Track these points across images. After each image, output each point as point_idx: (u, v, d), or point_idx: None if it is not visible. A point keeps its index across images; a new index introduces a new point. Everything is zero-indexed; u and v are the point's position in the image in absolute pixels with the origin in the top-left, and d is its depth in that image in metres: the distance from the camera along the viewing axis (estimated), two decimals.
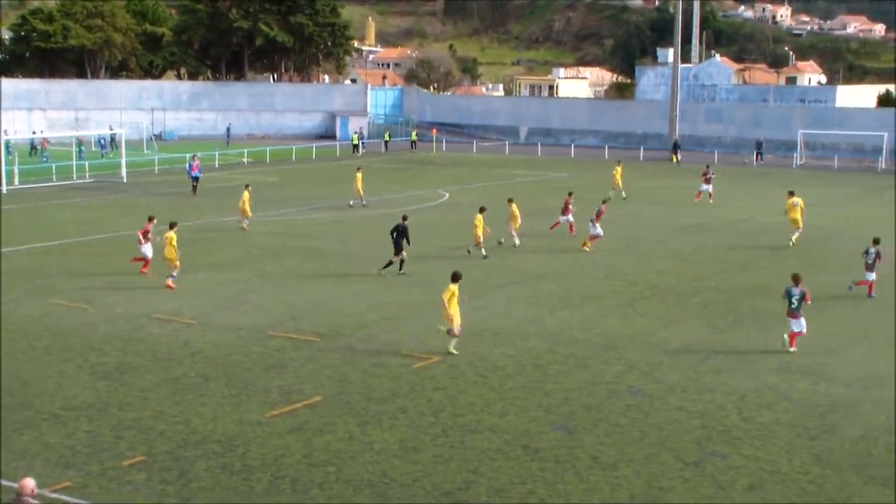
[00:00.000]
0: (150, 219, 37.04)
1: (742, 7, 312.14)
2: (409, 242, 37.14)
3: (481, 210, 40.77)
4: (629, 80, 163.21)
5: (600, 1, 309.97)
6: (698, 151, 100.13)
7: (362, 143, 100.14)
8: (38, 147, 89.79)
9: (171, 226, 34.96)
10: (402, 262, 36.84)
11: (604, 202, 44.92)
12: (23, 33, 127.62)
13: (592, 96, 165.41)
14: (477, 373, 24.50)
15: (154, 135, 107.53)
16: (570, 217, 45.60)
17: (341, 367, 24.85)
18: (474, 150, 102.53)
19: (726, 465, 18.88)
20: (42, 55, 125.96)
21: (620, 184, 61.65)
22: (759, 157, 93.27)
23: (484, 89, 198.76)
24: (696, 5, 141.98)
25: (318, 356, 25.77)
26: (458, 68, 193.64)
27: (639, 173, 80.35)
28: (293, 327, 28.80)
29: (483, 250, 39.99)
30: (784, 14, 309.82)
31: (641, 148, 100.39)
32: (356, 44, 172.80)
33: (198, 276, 36.32)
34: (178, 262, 34.23)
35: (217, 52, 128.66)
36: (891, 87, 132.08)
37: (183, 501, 17.06)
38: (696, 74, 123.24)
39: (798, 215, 44.50)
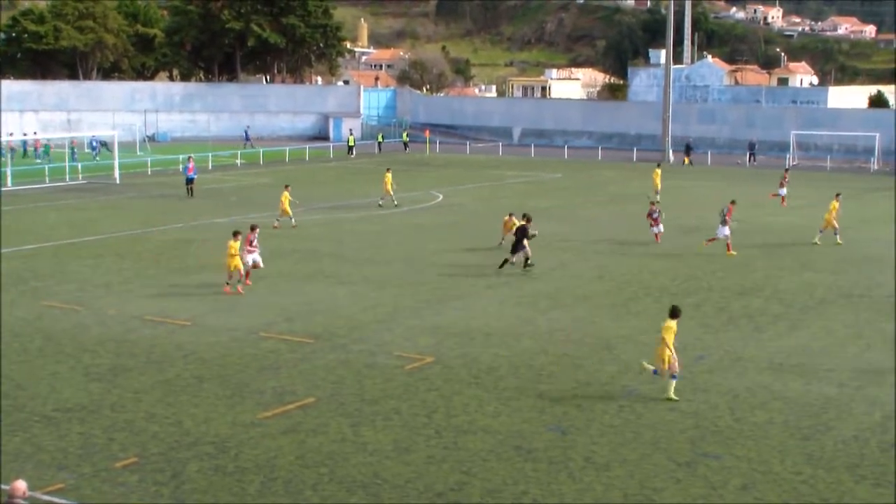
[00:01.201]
0: (253, 228, 35.38)
1: (733, 8, 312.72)
2: (528, 239, 37.40)
3: (526, 219, 38.66)
4: (622, 82, 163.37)
5: (592, 2, 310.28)
6: (691, 152, 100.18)
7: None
8: (32, 148, 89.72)
9: (234, 235, 34.03)
10: (526, 259, 37.36)
11: (732, 202, 44.84)
12: (14, 35, 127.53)
13: (585, 97, 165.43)
14: (470, 374, 24.50)
15: (147, 136, 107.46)
16: (661, 227, 44.55)
17: (335, 368, 24.84)
18: (468, 151, 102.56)
19: (719, 465, 18.90)
20: (34, 56, 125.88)
21: (659, 186, 61.30)
22: (752, 157, 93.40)
23: (477, 90, 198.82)
24: (688, 7, 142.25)
25: (312, 357, 25.76)
26: (451, 69, 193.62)
27: (632, 174, 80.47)
28: (287, 329, 28.79)
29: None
30: (775, 15, 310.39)
31: (634, 149, 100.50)
32: (348, 45, 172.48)
33: (191, 277, 36.29)
34: (241, 267, 33.60)
35: (209, 54, 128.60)
36: (882, 87, 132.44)
37: (176, 503, 17.04)
38: (689, 75, 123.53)
39: (831, 216, 44.84)
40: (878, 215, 55.57)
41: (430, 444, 19.69)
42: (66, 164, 73.96)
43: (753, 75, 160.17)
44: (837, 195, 46.51)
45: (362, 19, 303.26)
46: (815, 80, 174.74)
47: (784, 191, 59.76)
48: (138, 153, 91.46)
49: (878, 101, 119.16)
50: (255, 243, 34.81)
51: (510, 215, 42.41)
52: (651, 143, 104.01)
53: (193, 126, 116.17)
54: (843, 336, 28.80)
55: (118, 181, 69.58)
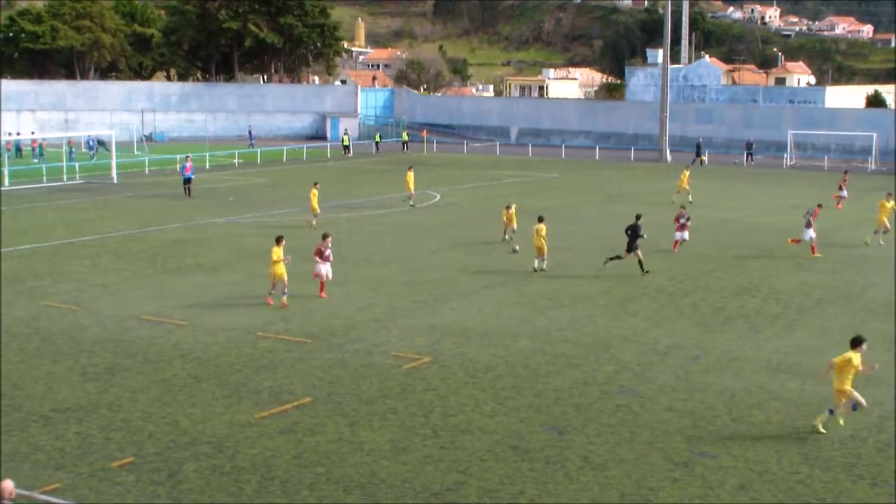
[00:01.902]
0: (325, 236, 33.47)
1: (731, 8, 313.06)
2: (642, 238, 37.47)
3: (540, 219, 37.87)
4: (619, 81, 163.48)
5: (590, 2, 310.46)
6: (688, 152, 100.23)
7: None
8: (29, 148, 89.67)
9: (278, 240, 32.01)
10: (640, 261, 37.21)
11: (818, 206, 44.70)
12: (11, 34, 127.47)
13: (582, 97, 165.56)
14: (467, 373, 24.50)
15: (144, 136, 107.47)
16: (685, 235, 42.32)
17: (331, 368, 24.84)
18: (465, 150, 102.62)
19: (716, 464, 18.90)
20: (31, 56, 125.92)
21: (688, 187, 60.70)
22: (749, 157, 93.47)
23: (474, 90, 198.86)
24: (686, 6, 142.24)
25: (309, 357, 25.76)
26: (449, 69, 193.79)
27: (630, 174, 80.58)
28: (283, 328, 28.78)
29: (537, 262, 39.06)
30: (773, 15, 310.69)
31: (632, 148, 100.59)
32: (346, 45, 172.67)
33: (188, 277, 36.29)
34: (285, 278, 31.39)
35: (206, 53, 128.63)
36: (879, 87, 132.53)
37: (173, 502, 17.04)
38: (686, 75, 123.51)
39: (885, 216, 44.95)
40: (873, 215, 55.46)
41: (426, 444, 19.69)
42: (64, 163, 73.92)
43: (751, 75, 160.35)
44: (889, 195, 46.34)
45: (359, 19, 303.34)
46: (813, 80, 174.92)
47: (844, 192, 59.14)
48: (136, 153, 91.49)
49: (875, 101, 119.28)
50: (327, 253, 32.73)
51: (508, 207, 42.57)
52: (648, 142, 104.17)
53: (191, 126, 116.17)
54: (840, 336, 28.75)
55: (115, 181, 69.59)
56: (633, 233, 37.34)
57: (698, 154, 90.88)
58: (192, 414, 21.30)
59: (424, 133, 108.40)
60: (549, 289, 34.56)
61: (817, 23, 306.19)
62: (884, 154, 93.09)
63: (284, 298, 31.42)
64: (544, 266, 37.13)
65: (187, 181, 61.65)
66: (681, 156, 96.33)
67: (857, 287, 35.71)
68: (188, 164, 62.36)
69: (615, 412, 21.79)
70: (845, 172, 64.05)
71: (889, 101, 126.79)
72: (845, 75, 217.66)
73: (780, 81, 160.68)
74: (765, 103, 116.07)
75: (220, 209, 55.04)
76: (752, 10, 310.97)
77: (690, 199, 58.85)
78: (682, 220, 42.07)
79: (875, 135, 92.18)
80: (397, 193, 61.34)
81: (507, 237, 42.80)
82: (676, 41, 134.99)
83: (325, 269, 32.74)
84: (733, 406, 22.29)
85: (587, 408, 22.05)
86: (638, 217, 38.19)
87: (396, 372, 24.56)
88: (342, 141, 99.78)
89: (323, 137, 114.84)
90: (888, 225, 44.79)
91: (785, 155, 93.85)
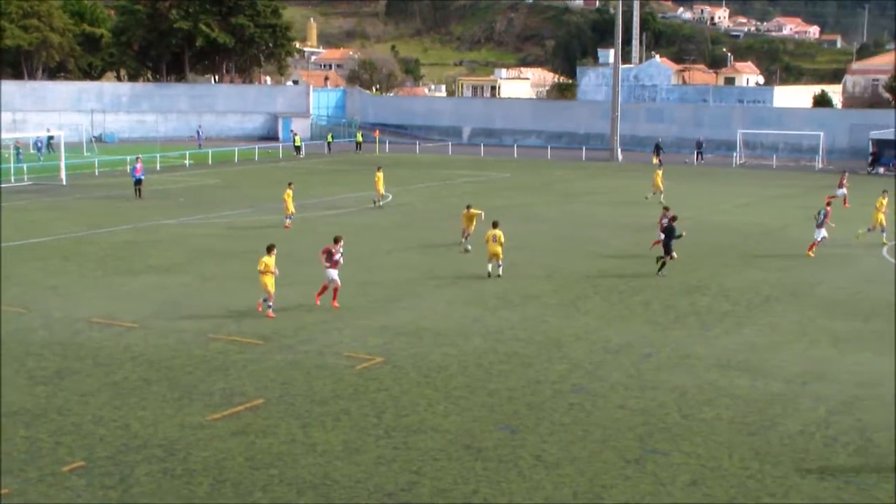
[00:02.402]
0: (337, 239, 31.93)
1: (681, 9, 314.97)
2: (672, 238, 37.46)
3: (495, 225, 36.97)
4: (571, 81, 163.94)
5: (541, 2, 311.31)
6: (639, 151, 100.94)
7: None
8: None
9: (269, 249, 30.84)
10: (663, 263, 37.39)
11: (827, 203, 44.56)
12: None
13: (534, 97, 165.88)
14: (420, 373, 24.50)
15: (94, 137, 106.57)
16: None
17: (284, 369, 24.76)
18: (417, 150, 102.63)
19: (667, 461, 19.02)
20: None
21: (662, 187, 60.62)
22: (699, 156, 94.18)
23: (426, 90, 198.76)
24: (636, 7, 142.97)
25: (261, 358, 25.66)
26: (401, 69, 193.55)
27: (581, 173, 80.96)
28: (236, 330, 28.65)
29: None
30: (722, 16, 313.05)
31: (583, 148, 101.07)
32: (298, 45, 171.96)
33: (139, 279, 36.03)
34: (270, 291, 30.27)
35: (157, 54, 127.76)
36: (826, 87, 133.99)
37: None
38: (637, 75, 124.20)
39: (881, 214, 45.10)
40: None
41: (379, 445, 19.67)
42: (11, 165, 73.13)
43: (701, 75, 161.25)
44: (884, 192, 46.60)
45: (311, 19, 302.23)
46: (761, 80, 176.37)
47: (843, 191, 59.00)
48: (85, 154, 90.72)
49: (822, 101, 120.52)
50: (336, 257, 31.32)
51: (468, 208, 42.48)
52: (600, 142, 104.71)
53: (141, 126, 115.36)
54: (789, 333, 29.09)
55: (65, 182, 68.96)
56: (670, 233, 37.53)
57: (658, 153, 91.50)
58: (143, 417, 21.15)
59: (377, 133, 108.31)
60: (501, 288, 34.62)
61: (765, 23, 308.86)
62: (830, 153, 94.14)
63: (270, 311, 30.24)
64: (500, 272, 36.41)
65: (138, 182, 61.20)
66: (632, 155, 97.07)
67: (806, 284, 36.06)
68: (139, 165, 61.93)
69: (568, 410, 21.87)
70: (843, 172, 64.14)
71: (835, 100, 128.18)
72: (793, 75, 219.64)
73: (730, 81, 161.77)
74: (714, 103, 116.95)
75: (172, 210, 54.70)
76: (702, 11, 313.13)
77: (662, 199, 59.14)
78: (665, 222, 40.52)
79: (822, 134, 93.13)
80: (351, 194, 61.26)
81: (464, 239, 42.64)
82: (627, 41, 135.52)
83: (334, 274, 31.25)
84: (684, 403, 22.44)
85: (540, 406, 22.11)
86: (673, 219, 38.27)
87: (349, 372, 24.51)
88: (293, 142, 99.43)
89: (275, 138, 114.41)
90: (885, 223, 45.03)
91: (734, 154, 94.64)
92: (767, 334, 28.84)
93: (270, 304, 30.33)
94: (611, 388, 23.49)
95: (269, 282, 30.17)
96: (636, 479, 18.18)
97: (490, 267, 36.50)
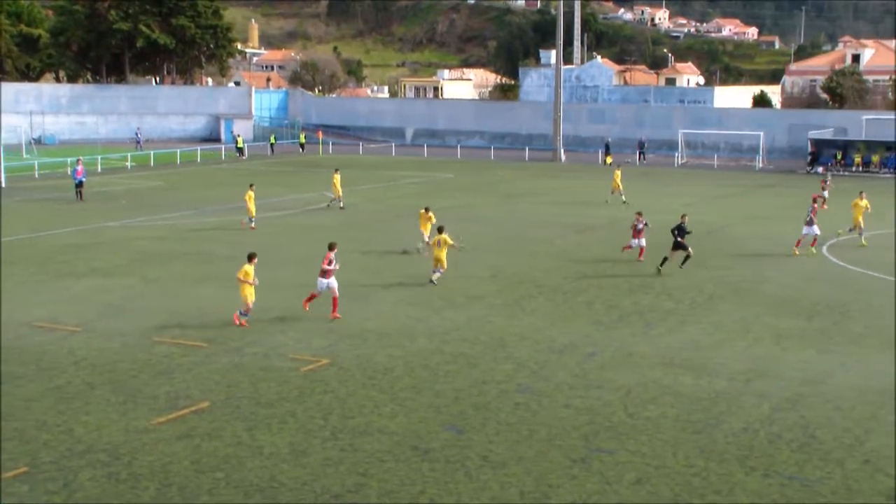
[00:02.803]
0: (331, 246, 30.98)
1: (622, 10, 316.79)
2: (684, 235, 37.90)
3: (440, 230, 36.15)
4: (513, 82, 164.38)
5: (483, 3, 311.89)
6: (581, 152, 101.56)
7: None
8: None
9: (250, 258, 29.78)
10: (687, 257, 38.03)
11: (814, 200, 44.60)
12: None
13: (477, 97, 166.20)
14: (366, 375, 24.48)
15: (33, 139, 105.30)
16: (643, 241, 40.59)
17: (229, 371, 24.63)
18: (361, 151, 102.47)
19: (613, 460, 19.15)
20: None
21: (621, 187, 60.63)
22: (641, 156, 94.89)
23: (369, 91, 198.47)
24: (578, 7, 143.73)
25: (206, 361, 25.51)
26: (343, 70, 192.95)
27: (524, 173, 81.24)
28: (180, 333, 28.45)
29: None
30: (662, 17, 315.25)
31: (526, 148, 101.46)
32: (239, 46, 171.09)
33: (81, 282, 35.68)
34: (249, 301, 29.23)
35: (97, 55, 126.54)
36: (765, 88, 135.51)
37: None
38: (579, 76, 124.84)
39: (860, 215, 45.20)
40: (764, 212, 56.77)
41: (326, 447, 19.63)
42: None
43: (642, 75, 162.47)
44: (861, 193, 46.71)
45: (253, 20, 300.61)
46: (702, 81, 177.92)
47: (826, 193, 58.82)
48: (24, 156, 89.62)
49: (761, 101, 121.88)
50: (333, 265, 30.46)
51: (426, 210, 42.22)
52: (542, 142, 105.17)
53: (81, 128, 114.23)
54: (732, 331, 29.39)
55: (3, 185, 68.10)
56: (680, 232, 37.91)
57: (607, 153, 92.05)
58: (87, 422, 20.96)
59: (320, 134, 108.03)
60: (446, 289, 34.65)
61: (705, 25, 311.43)
62: (770, 153, 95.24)
63: (244, 320, 29.28)
64: (434, 279, 35.44)
65: (79, 185, 60.62)
66: (575, 155, 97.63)
67: (749, 283, 36.44)
68: (79, 168, 61.30)
69: (514, 410, 21.95)
70: (826, 174, 63.87)
71: (774, 101, 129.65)
72: (732, 76, 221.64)
73: (671, 82, 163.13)
74: (656, 103, 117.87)
75: (114, 213, 54.23)
76: (643, 12, 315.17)
77: (623, 199, 59.47)
78: (640, 227, 40.51)
79: (762, 134, 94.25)
80: (295, 195, 61.06)
81: (422, 242, 42.36)
82: (569, 42, 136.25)
83: (328, 283, 30.18)
84: (629, 402, 22.60)
85: (486, 407, 22.17)
86: (683, 217, 38.71)
87: (294, 375, 24.44)
88: (236, 143, 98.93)
89: (217, 140, 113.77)
90: (862, 224, 45.37)
91: (676, 154, 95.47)
92: (711, 332, 29.11)
93: (247, 314, 29.43)
94: (556, 387, 23.60)
95: (249, 292, 29.17)
96: (582, 479, 18.28)
97: (436, 275, 35.50)
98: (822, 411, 22.10)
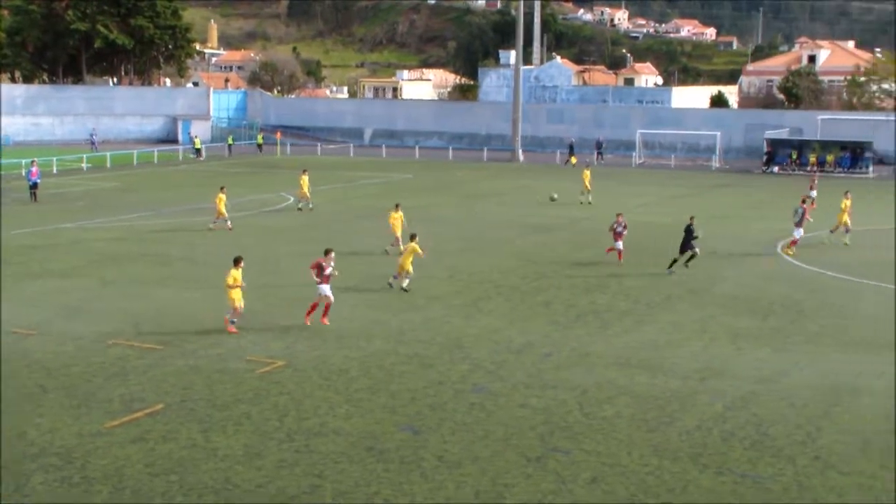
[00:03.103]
0: (327, 252, 30.01)
1: (581, 10, 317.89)
2: (693, 237, 38.43)
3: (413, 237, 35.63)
4: (472, 82, 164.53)
5: (443, 3, 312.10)
6: (540, 152, 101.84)
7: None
8: None
9: (236, 262, 29.21)
10: (693, 255, 38.69)
11: (802, 202, 44.83)
12: None
13: (436, 98, 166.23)
14: (321, 376, 24.43)
15: None
16: (620, 244, 40.30)
17: (184, 373, 24.50)
18: (319, 152, 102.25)
19: (568, 459, 19.22)
20: None
21: (589, 188, 60.66)
22: (599, 156, 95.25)
23: (328, 92, 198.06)
24: (538, 8, 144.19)
25: (161, 363, 25.36)
26: (302, 71, 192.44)
27: (484, 174, 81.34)
28: (135, 335, 28.26)
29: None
30: (621, 17, 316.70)
31: (485, 149, 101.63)
32: (198, 46, 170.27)
33: (36, 284, 35.37)
34: (237, 306, 28.73)
35: (53, 55, 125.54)
36: (722, 88, 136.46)
37: None
38: (538, 76, 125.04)
39: (845, 215, 45.54)
40: (720, 212, 57.11)
41: (281, 448, 19.58)
42: None
43: (601, 76, 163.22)
44: (847, 193, 47.10)
45: (212, 21, 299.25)
46: (660, 81, 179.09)
47: (814, 193, 58.63)
48: None
49: (718, 101, 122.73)
50: (328, 271, 29.51)
51: (396, 208, 42.04)
52: (501, 142, 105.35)
53: (37, 129, 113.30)
54: (688, 331, 29.57)
55: None
56: (688, 233, 38.27)
57: (571, 153, 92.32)
58: (40, 425, 20.78)
59: (279, 135, 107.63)
60: (398, 291, 34.53)
61: (663, 25, 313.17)
62: (727, 152, 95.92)
63: (232, 326, 28.71)
64: (392, 281, 34.95)
65: (34, 186, 60.11)
66: (534, 155, 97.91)
67: (705, 282, 36.67)
68: (34, 169, 60.78)
69: (469, 410, 21.98)
70: (813, 174, 63.42)
71: (731, 101, 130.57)
72: (691, 76, 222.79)
73: (629, 82, 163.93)
74: (614, 103, 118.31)
75: (69, 214, 53.82)
76: (602, 13, 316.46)
77: (590, 199, 59.67)
78: (619, 229, 40.19)
79: (719, 134, 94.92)
80: (254, 196, 60.85)
81: (391, 245, 42.18)
82: (529, 42, 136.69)
83: (326, 290, 29.49)
84: (585, 402, 22.68)
85: (442, 407, 22.19)
86: (692, 218, 39.13)
87: (250, 376, 24.35)
88: (193, 144, 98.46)
89: (174, 141, 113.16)
90: (849, 223, 45.64)
91: (633, 154, 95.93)
92: (667, 332, 29.27)
93: (234, 319, 28.92)
94: (512, 387, 23.65)
95: (237, 296, 28.59)
96: (538, 478, 18.33)
97: (406, 283, 34.66)
98: (776, 409, 22.29)
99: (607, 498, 17.52)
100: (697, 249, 38.61)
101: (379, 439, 20.12)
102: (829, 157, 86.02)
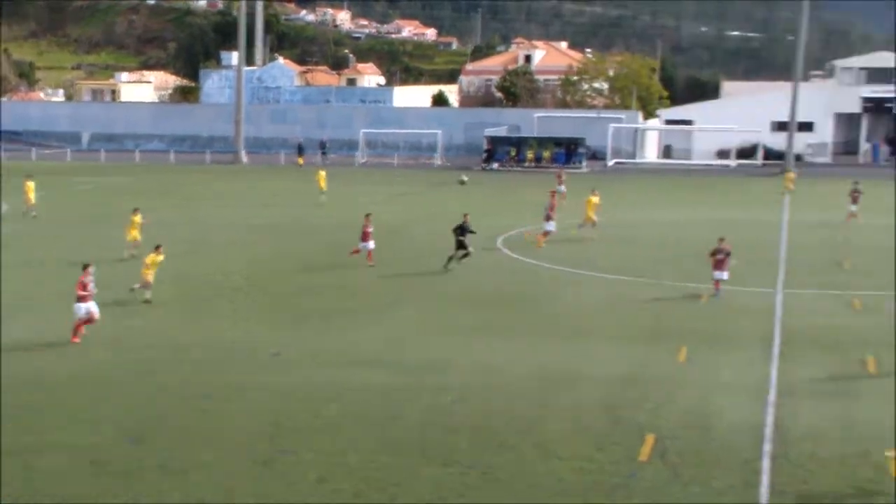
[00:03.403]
0: (86, 267, 28.41)
1: (304, 11, 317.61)
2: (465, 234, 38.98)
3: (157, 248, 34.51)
4: (194, 84, 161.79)
5: (163, 3, 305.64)
6: (264, 153, 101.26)
7: None
8: None
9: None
10: (464, 255, 39.10)
11: (553, 196, 46.34)
12: None
13: (158, 100, 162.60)
14: (41, 389, 23.47)
15: None
16: (371, 244, 39.99)
17: None
18: (34, 157, 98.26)
19: (296, 460, 19.20)
20: None
21: (325, 187, 61.36)
22: (323, 156, 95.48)
23: (43, 94, 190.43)
24: (260, 9, 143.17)
25: None
26: (14, 73, 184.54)
27: (205, 177, 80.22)
28: None
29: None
30: (344, 18, 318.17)
31: (207, 151, 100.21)
32: None
33: None
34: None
35: None
36: (443, 87, 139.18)
37: None
38: (261, 77, 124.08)
39: (591, 211, 46.98)
40: (443, 209, 58.13)
41: None
42: None
43: (324, 76, 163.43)
44: (594, 190, 48.68)
45: None
46: (383, 81, 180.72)
47: (563, 188, 60.19)
48: None
49: (440, 100, 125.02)
50: (89, 287, 27.95)
51: (135, 211, 41.49)
52: (224, 144, 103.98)
53: None
54: (416, 327, 30.04)
55: None
56: (462, 230, 38.70)
57: (300, 154, 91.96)
58: None
59: None
60: (122, 297, 33.21)
61: (385, 26, 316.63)
62: (448, 150, 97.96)
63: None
64: (137, 294, 33.48)
65: None
66: (257, 157, 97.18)
67: (432, 279, 37.31)
68: None
69: (195, 416, 21.65)
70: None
71: (452, 100, 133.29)
72: (413, 76, 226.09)
73: (352, 82, 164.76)
74: (337, 103, 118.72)
75: None
76: (325, 13, 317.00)
77: (324, 199, 59.75)
78: (370, 229, 39.91)
79: (440, 132, 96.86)
80: None
81: (126, 250, 40.84)
82: (251, 43, 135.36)
83: (87, 307, 27.90)
84: (311, 401, 22.70)
85: (165, 413, 21.76)
86: (465, 216, 39.56)
87: None
88: None
89: None
90: (595, 219, 47.03)
91: (357, 153, 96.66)
92: (395, 329, 29.66)
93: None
94: (238, 391, 23.44)
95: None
96: (266, 480, 18.25)
97: (148, 294, 33.19)
98: (499, 400, 22.95)
99: (334, 496, 17.62)
100: (471, 248, 39.25)
101: (101, 451, 19.53)
102: (546, 154, 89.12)
